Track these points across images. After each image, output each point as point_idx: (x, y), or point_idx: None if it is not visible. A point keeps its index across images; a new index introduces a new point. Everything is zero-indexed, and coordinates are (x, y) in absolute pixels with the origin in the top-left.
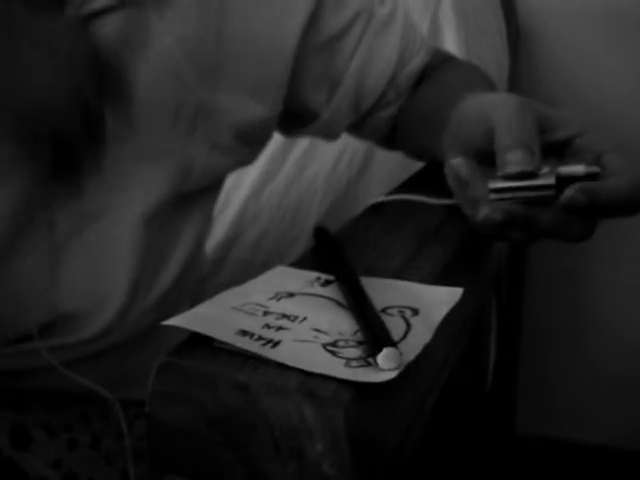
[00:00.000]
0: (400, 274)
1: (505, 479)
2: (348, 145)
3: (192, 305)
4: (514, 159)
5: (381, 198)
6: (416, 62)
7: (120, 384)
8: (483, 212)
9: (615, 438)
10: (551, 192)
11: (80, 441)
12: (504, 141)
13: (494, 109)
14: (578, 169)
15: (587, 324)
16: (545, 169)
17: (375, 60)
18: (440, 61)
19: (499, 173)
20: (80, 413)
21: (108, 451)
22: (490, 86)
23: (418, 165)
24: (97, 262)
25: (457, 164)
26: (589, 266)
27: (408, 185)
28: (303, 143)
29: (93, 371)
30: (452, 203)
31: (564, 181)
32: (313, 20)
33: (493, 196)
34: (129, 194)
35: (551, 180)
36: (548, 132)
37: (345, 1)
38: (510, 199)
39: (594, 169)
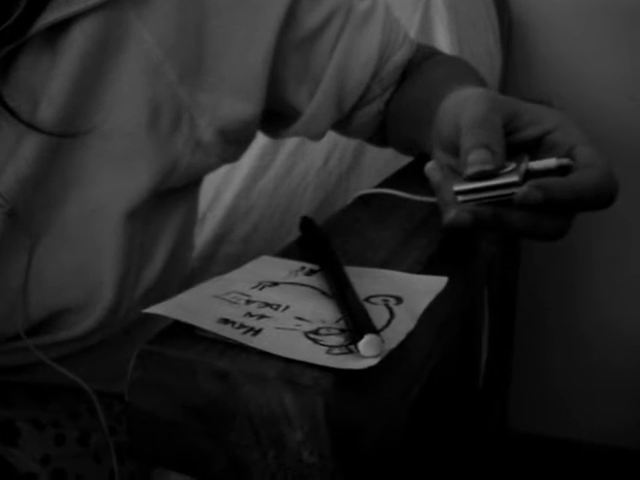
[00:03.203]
0: (386, 264)
1: (496, 476)
2: (339, 141)
3: None
4: (473, 159)
5: (364, 191)
6: (399, 56)
7: (110, 378)
8: (450, 215)
9: (608, 436)
10: (517, 190)
11: (68, 436)
12: (465, 143)
13: (463, 109)
14: (550, 162)
15: (582, 319)
16: (511, 166)
17: (356, 55)
18: (425, 55)
19: (464, 175)
20: (68, 409)
21: (97, 447)
22: (477, 79)
23: (408, 160)
24: (83, 259)
25: (428, 169)
26: (585, 258)
27: (396, 178)
28: (293, 139)
29: (83, 366)
30: (434, 201)
31: (537, 176)
32: (290, 16)
33: (461, 198)
34: (112, 192)
35: (514, 177)
36: (519, 130)
37: None
38: (477, 200)
39: (566, 161)
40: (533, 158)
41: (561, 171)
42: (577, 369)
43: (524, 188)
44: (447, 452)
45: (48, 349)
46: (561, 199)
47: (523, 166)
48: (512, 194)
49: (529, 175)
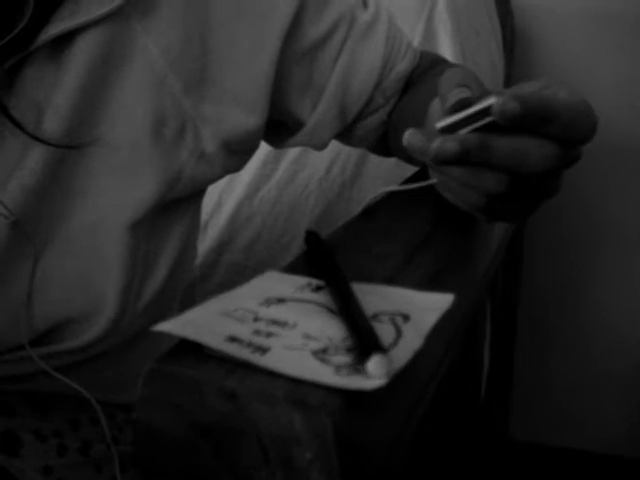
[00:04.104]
0: (392, 280)
1: None
2: (341, 150)
3: (182, 309)
4: (451, 95)
5: (370, 198)
6: (403, 66)
7: (112, 388)
8: (436, 144)
9: (611, 445)
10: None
11: (70, 447)
12: (442, 91)
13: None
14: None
15: (583, 329)
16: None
17: (359, 65)
18: (429, 64)
19: (444, 110)
20: (70, 419)
21: (98, 457)
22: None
23: (412, 169)
24: (87, 270)
25: (408, 135)
26: (587, 268)
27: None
28: (296, 147)
29: (85, 375)
30: (431, 183)
31: None
32: (294, 28)
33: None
34: (116, 202)
35: (491, 100)
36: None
37: (326, 8)
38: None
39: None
40: None
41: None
42: (579, 378)
43: (500, 99)
44: (450, 462)
45: (51, 359)
46: (538, 109)
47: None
48: (493, 120)
49: None
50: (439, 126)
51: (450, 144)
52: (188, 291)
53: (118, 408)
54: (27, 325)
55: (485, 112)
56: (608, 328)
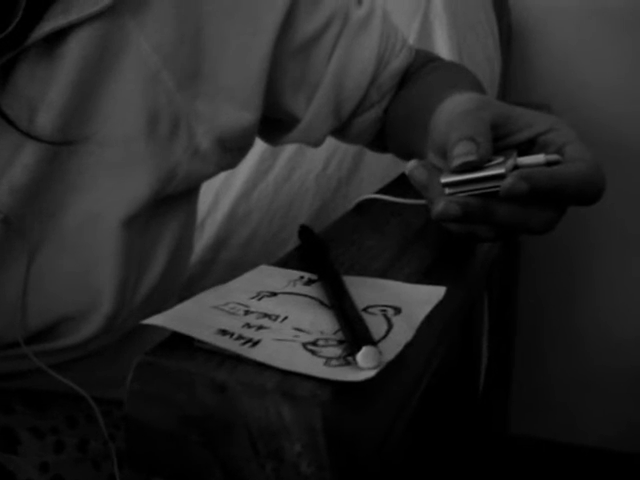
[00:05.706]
0: (385, 273)
1: (497, 479)
2: (338, 146)
3: None
4: (457, 152)
5: (362, 197)
6: (398, 62)
7: (108, 384)
8: (439, 207)
9: (608, 440)
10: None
11: (67, 444)
12: (451, 137)
13: (453, 111)
14: (538, 158)
15: (582, 324)
16: (499, 159)
17: (353, 61)
18: (424, 61)
19: (449, 168)
20: (67, 416)
21: (95, 454)
22: (475, 85)
23: None
24: (82, 267)
25: (411, 168)
26: (585, 263)
27: (395, 185)
28: (292, 145)
29: (81, 372)
30: (420, 202)
31: None
32: (287, 23)
33: (448, 191)
34: (110, 199)
35: (501, 170)
36: (513, 134)
37: (320, 3)
38: (464, 192)
39: (554, 157)
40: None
41: (550, 167)
42: (577, 373)
43: (509, 179)
44: (449, 456)
45: (47, 356)
46: (546, 189)
47: (511, 161)
48: (499, 187)
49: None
50: (443, 181)
51: (453, 208)
52: (186, 288)
53: (114, 405)
54: (22, 323)
55: (491, 177)
56: (607, 324)
